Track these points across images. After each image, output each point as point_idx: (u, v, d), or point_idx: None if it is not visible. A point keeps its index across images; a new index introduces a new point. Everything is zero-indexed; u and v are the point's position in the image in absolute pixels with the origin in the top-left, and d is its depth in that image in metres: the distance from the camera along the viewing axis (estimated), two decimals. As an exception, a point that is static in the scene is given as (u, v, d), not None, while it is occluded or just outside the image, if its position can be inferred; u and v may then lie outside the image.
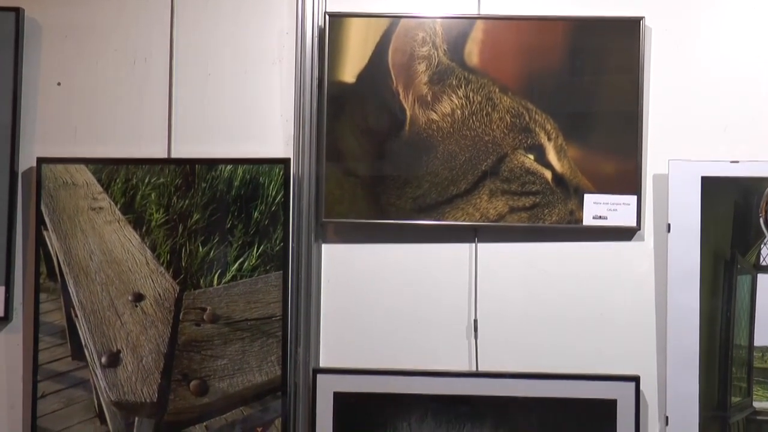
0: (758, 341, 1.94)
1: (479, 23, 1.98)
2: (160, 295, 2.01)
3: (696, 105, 1.98)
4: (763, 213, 1.55)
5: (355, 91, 1.99)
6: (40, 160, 2.04)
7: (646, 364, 1.96)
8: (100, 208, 2.04)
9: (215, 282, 2.01)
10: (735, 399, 1.93)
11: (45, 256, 2.04)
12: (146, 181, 2.03)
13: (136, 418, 2.00)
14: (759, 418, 1.93)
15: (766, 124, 1.96)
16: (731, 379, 1.93)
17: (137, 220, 2.03)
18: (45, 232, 2.04)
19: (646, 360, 1.96)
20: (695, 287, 1.93)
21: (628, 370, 1.95)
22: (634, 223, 1.96)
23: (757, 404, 1.93)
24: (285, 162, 2.00)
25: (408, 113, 1.98)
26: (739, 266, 1.94)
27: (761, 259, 1.94)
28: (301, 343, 1.99)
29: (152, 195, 2.02)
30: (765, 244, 1.93)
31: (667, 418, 1.94)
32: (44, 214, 2.03)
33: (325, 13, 2.00)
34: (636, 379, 1.93)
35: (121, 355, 2.01)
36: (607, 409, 1.92)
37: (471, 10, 2.00)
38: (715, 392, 1.93)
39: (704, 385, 1.93)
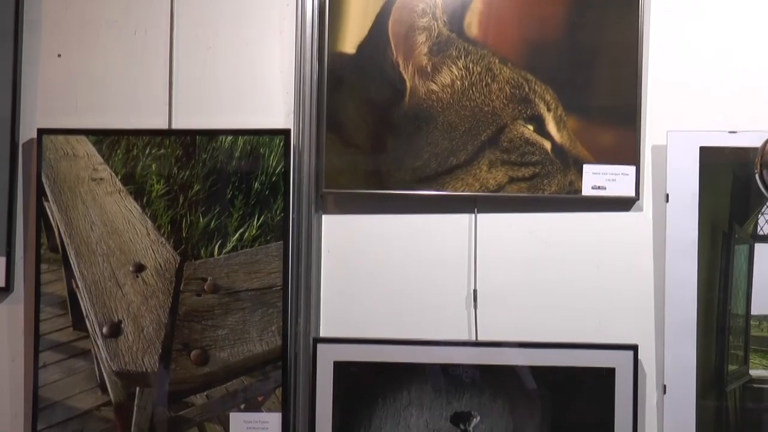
0: (755, 310, 1.95)
1: (479, -6, 1.98)
2: (161, 265, 2.02)
3: (695, 76, 1.99)
4: (758, 168, 1.56)
5: (355, 62, 1.99)
6: (41, 132, 2.04)
7: (645, 333, 1.97)
8: (101, 179, 2.04)
9: (216, 252, 2.01)
10: (732, 367, 1.95)
11: (46, 227, 2.04)
12: (147, 152, 2.03)
13: (138, 388, 2.01)
14: (755, 385, 1.95)
15: (764, 95, 1.97)
16: (728, 347, 1.95)
17: (138, 191, 2.03)
18: (46, 203, 2.04)
19: (644, 329, 1.98)
20: (693, 257, 1.95)
21: (627, 339, 1.96)
22: (632, 193, 1.97)
23: (753, 372, 1.95)
24: (285, 133, 2.01)
25: (408, 84, 1.98)
26: (737, 236, 1.95)
27: (759, 228, 1.95)
28: (302, 313, 2.00)
29: (153, 166, 2.03)
30: (763, 214, 1.95)
31: (665, 386, 1.95)
32: (45, 185, 2.04)
33: (326, -16, 2.00)
34: (634, 348, 1.94)
35: (122, 325, 2.02)
36: (605, 377, 1.94)
37: (471, -18, 2.01)
38: (712, 361, 1.95)
39: (702, 353, 1.94)
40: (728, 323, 1.95)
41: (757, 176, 1.57)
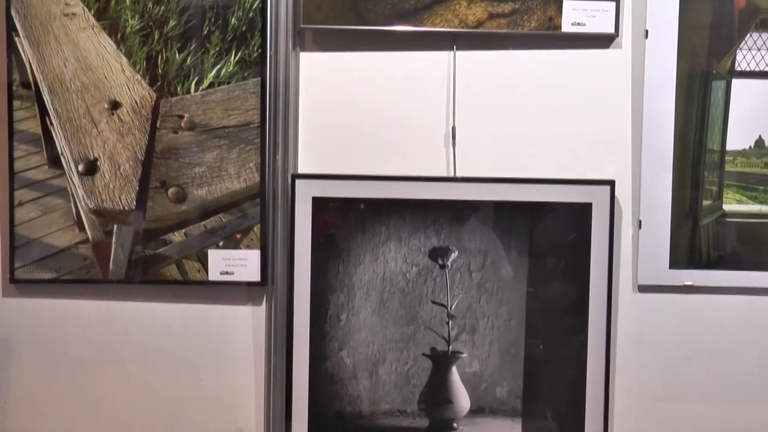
0: (730, 146, 1.97)
1: None
2: (136, 102, 1.99)
3: None
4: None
5: None
6: (9, -36, 1.99)
7: (622, 169, 1.99)
8: (73, 14, 2.00)
9: (192, 89, 1.99)
10: (706, 202, 1.97)
11: (18, 63, 2.00)
12: (120, -14, 1.99)
13: (115, 226, 2.00)
14: (728, 220, 1.98)
15: (745, -72, 1.96)
16: (703, 182, 1.97)
17: (112, 27, 1.99)
18: (16, 39, 1.99)
19: (621, 165, 1.99)
20: (671, 93, 1.95)
21: (604, 175, 1.97)
22: (612, 30, 1.96)
23: (726, 207, 1.98)
24: (262, -34, 1.98)
25: None
26: (714, 71, 1.96)
27: (736, 64, 1.96)
28: (280, 149, 1.99)
29: (127, 1, 1.98)
30: (741, 49, 1.95)
31: (640, 221, 1.97)
32: (15, 20, 1.99)
33: None
34: (611, 184, 1.95)
35: (98, 163, 2.00)
36: (582, 212, 1.95)
37: None
38: (687, 196, 1.97)
39: (677, 189, 1.97)
40: (704, 158, 1.97)
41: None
